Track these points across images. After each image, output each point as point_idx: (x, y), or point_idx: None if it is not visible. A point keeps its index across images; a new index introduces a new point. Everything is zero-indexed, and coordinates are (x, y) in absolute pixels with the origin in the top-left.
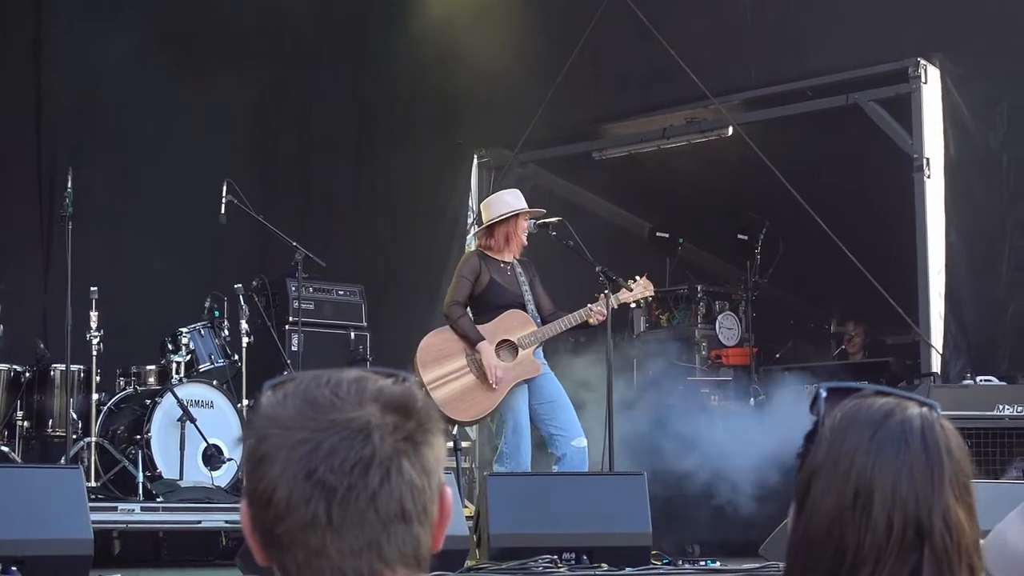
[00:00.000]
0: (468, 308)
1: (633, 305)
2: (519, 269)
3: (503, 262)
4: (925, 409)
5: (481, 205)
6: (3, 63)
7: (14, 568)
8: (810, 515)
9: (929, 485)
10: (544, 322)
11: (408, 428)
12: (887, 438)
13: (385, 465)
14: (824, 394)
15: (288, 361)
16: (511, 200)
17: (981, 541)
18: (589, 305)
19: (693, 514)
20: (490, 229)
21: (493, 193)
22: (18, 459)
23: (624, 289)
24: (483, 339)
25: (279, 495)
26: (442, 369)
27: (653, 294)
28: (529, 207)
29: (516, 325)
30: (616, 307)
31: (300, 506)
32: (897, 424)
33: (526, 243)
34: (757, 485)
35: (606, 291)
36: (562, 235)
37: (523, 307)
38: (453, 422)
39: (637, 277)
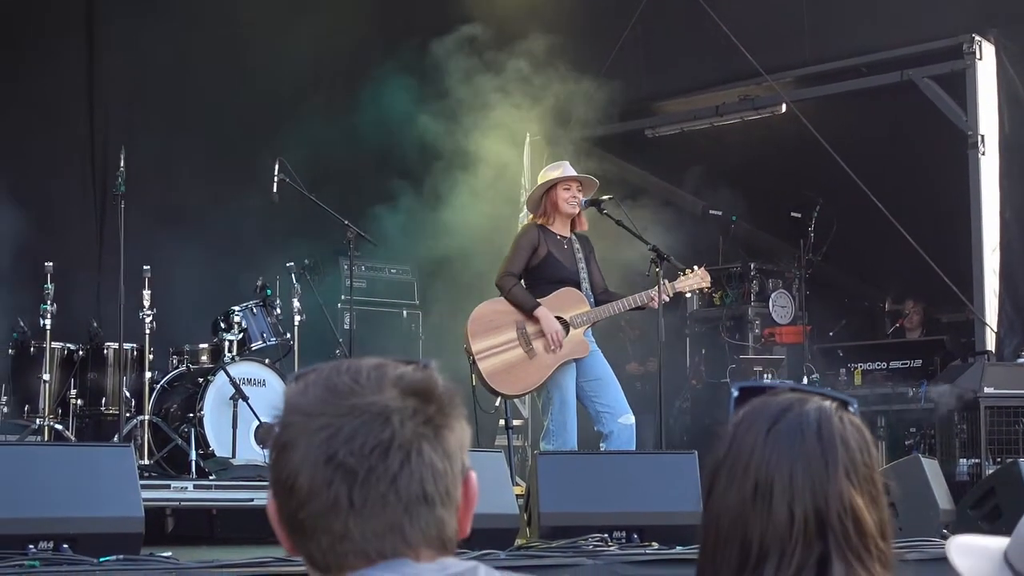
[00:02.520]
0: (522, 281)
1: (688, 295)
2: (576, 244)
3: (560, 235)
4: (827, 403)
5: None
6: (56, 42)
7: (66, 545)
8: (715, 509)
9: (824, 473)
10: (597, 301)
11: (428, 412)
12: (783, 431)
13: (405, 448)
14: (736, 393)
15: (340, 339)
16: (550, 172)
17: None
18: (646, 292)
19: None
20: (538, 202)
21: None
22: (72, 437)
23: (680, 276)
24: (539, 305)
25: (302, 481)
26: (492, 340)
27: (709, 285)
28: (577, 175)
29: (570, 303)
30: (671, 296)
31: (322, 490)
32: (794, 417)
33: (575, 211)
34: None
35: (665, 279)
36: (613, 213)
37: (578, 284)
38: (498, 394)
39: (695, 267)
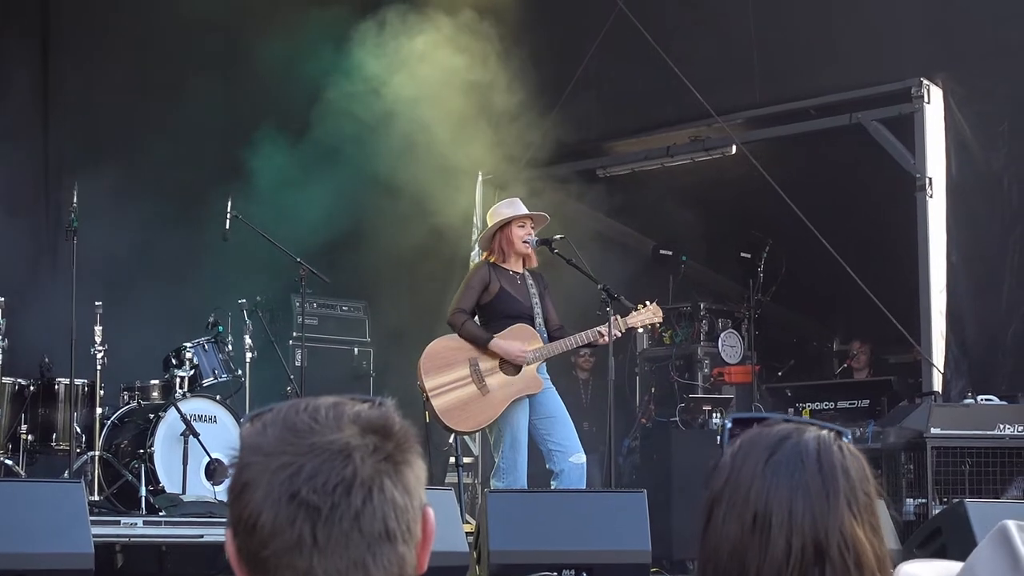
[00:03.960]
0: (476, 317)
1: (640, 330)
2: (530, 280)
3: (513, 272)
4: (824, 432)
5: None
6: (10, 76)
7: None
8: (713, 540)
9: (825, 504)
10: (551, 338)
11: (387, 449)
12: (782, 461)
13: (367, 485)
14: (729, 424)
15: (292, 376)
16: (503, 210)
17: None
18: (598, 328)
19: (694, 531)
20: (491, 241)
21: None
22: (22, 473)
23: (632, 312)
24: (492, 337)
25: (264, 519)
26: (445, 377)
27: (661, 320)
28: (530, 213)
29: (523, 339)
30: (623, 332)
31: (285, 528)
32: (792, 447)
33: (528, 250)
34: None
35: (616, 315)
36: (564, 252)
37: (532, 319)
38: (452, 431)
39: (647, 302)
